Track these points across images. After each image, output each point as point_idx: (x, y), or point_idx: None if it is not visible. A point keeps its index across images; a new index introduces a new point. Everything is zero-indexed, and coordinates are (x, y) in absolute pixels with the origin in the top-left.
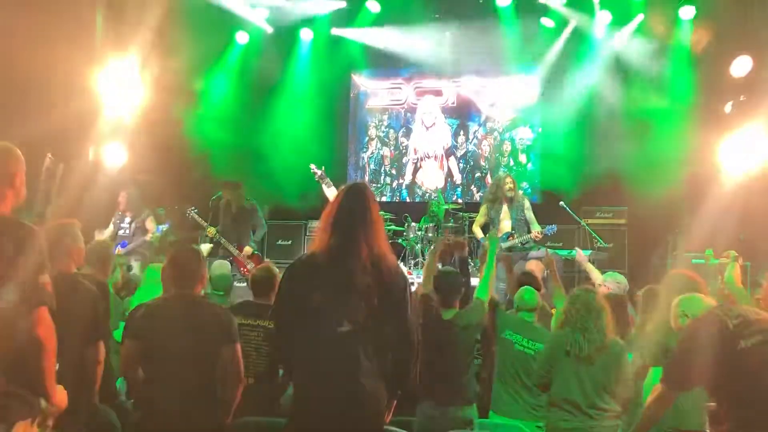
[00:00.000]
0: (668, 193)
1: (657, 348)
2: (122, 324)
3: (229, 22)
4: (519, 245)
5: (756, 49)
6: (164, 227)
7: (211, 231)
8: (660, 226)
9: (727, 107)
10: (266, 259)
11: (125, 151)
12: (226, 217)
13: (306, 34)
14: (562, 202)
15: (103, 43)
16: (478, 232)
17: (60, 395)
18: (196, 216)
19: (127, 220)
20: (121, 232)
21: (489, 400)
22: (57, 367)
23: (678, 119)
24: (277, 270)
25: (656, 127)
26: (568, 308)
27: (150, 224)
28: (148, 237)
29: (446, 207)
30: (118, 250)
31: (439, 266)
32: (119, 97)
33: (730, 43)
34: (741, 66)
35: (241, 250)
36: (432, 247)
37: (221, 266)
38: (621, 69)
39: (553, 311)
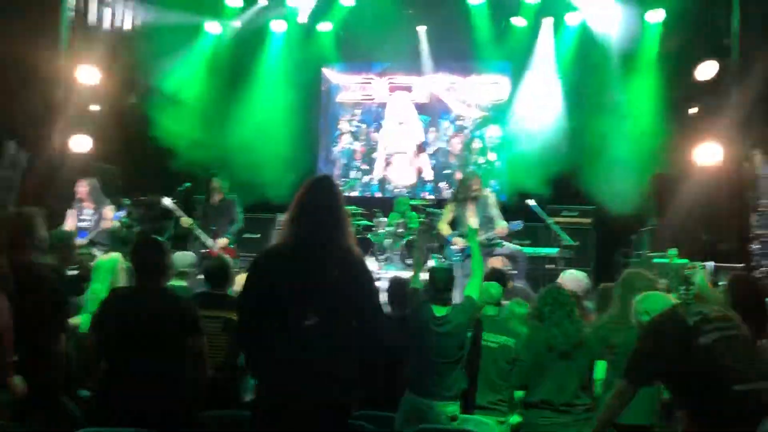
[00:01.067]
0: (634, 193)
1: (602, 343)
2: (84, 315)
3: (200, 12)
4: (485, 242)
5: (721, 54)
6: (121, 214)
7: (187, 221)
8: (625, 225)
9: (693, 110)
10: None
11: (90, 141)
12: (207, 208)
13: (277, 26)
14: (529, 201)
15: (69, 31)
16: (446, 230)
17: (19, 385)
18: (171, 205)
19: (88, 210)
20: (82, 223)
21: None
22: (16, 357)
23: (645, 121)
24: (231, 260)
25: (623, 127)
26: (540, 305)
27: (109, 213)
28: (107, 225)
29: (415, 204)
30: (79, 240)
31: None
32: (85, 86)
33: (696, 47)
34: (706, 70)
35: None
36: (414, 242)
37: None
38: (590, 69)
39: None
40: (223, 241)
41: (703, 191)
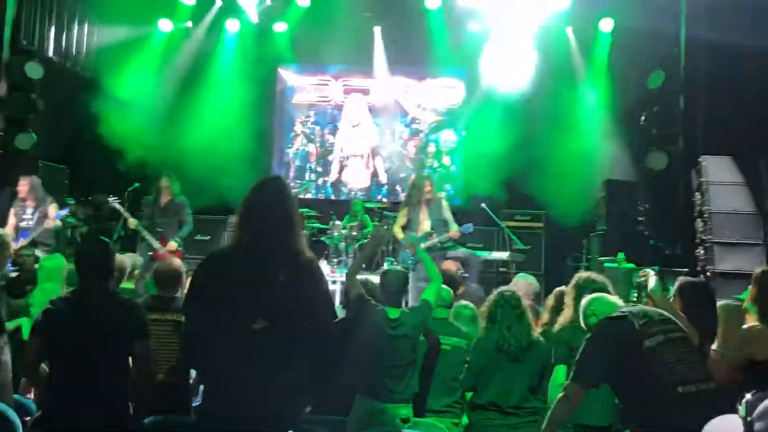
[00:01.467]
0: (584, 199)
1: (563, 347)
2: (25, 319)
3: (153, 9)
4: (438, 245)
5: (668, 64)
6: (64, 212)
7: (133, 222)
8: (575, 230)
9: (642, 117)
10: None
11: (33, 138)
12: (155, 210)
13: (232, 25)
14: (483, 204)
15: (13, 23)
16: (399, 233)
17: None
18: (117, 206)
19: (29, 209)
20: (23, 223)
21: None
22: None
23: (595, 128)
24: (180, 262)
25: (575, 133)
26: (492, 308)
27: (52, 211)
28: (50, 224)
29: (371, 206)
30: (21, 241)
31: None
32: (31, 81)
33: (645, 56)
34: (655, 79)
35: (164, 244)
36: (361, 247)
37: (125, 259)
38: (542, 75)
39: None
40: (171, 245)
41: (651, 197)
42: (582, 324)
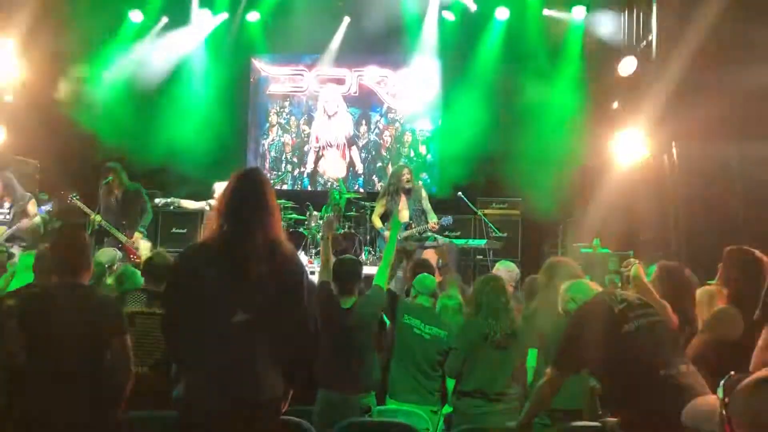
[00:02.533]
0: (559, 186)
1: (537, 332)
2: None
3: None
4: (416, 235)
5: (640, 50)
6: (46, 208)
7: (97, 218)
8: (551, 217)
9: (615, 104)
10: (158, 248)
11: (4, 132)
12: (110, 201)
13: (204, 15)
14: (459, 193)
15: None
16: (378, 223)
17: None
18: (78, 202)
19: (6, 204)
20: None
21: (385, 387)
22: None
23: (570, 114)
24: (169, 257)
25: (549, 121)
26: (478, 296)
27: (32, 208)
28: (31, 221)
29: (348, 196)
30: None
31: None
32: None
33: (617, 43)
34: (627, 66)
35: (130, 236)
36: (322, 234)
37: (104, 254)
38: (518, 64)
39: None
40: (137, 236)
41: (624, 183)
42: (560, 309)
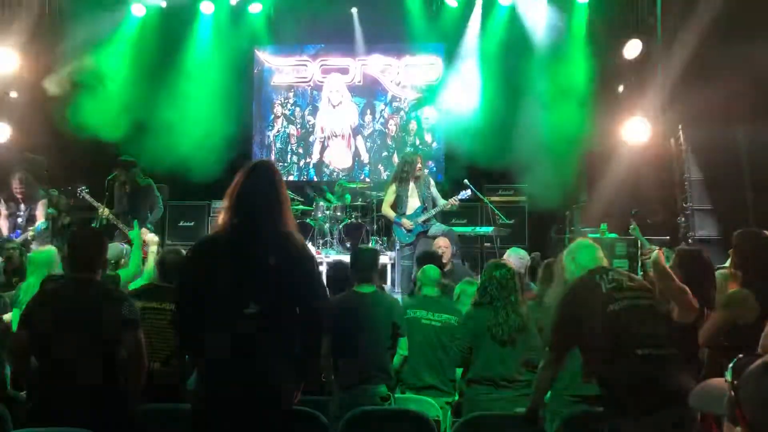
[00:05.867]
0: (566, 172)
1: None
2: (16, 311)
3: None
4: (433, 218)
5: (645, 33)
6: (51, 211)
7: (105, 212)
8: (558, 202)
9: (620, 88)
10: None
11: (9, 129)
12: (121, 197)
13: (206, 8)
14: (466, 180)
15: None
16: (390, 212)
17: None
18: (87, 196)
19: (22, 206)
20: (17, 219)
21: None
22: None
23: (575, 99)
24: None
25: (555, 106)
26: (483, 287)
27: (40, 211)
28: (35, 226)
29: (353, 186)
30: (15, 240)
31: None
32: (2, 72)
33: (622, 26)
34: (632, 49)
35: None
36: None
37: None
38: (521, 49)
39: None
40: (144, 232)
41: (631, 167)
42: (560, 266)
